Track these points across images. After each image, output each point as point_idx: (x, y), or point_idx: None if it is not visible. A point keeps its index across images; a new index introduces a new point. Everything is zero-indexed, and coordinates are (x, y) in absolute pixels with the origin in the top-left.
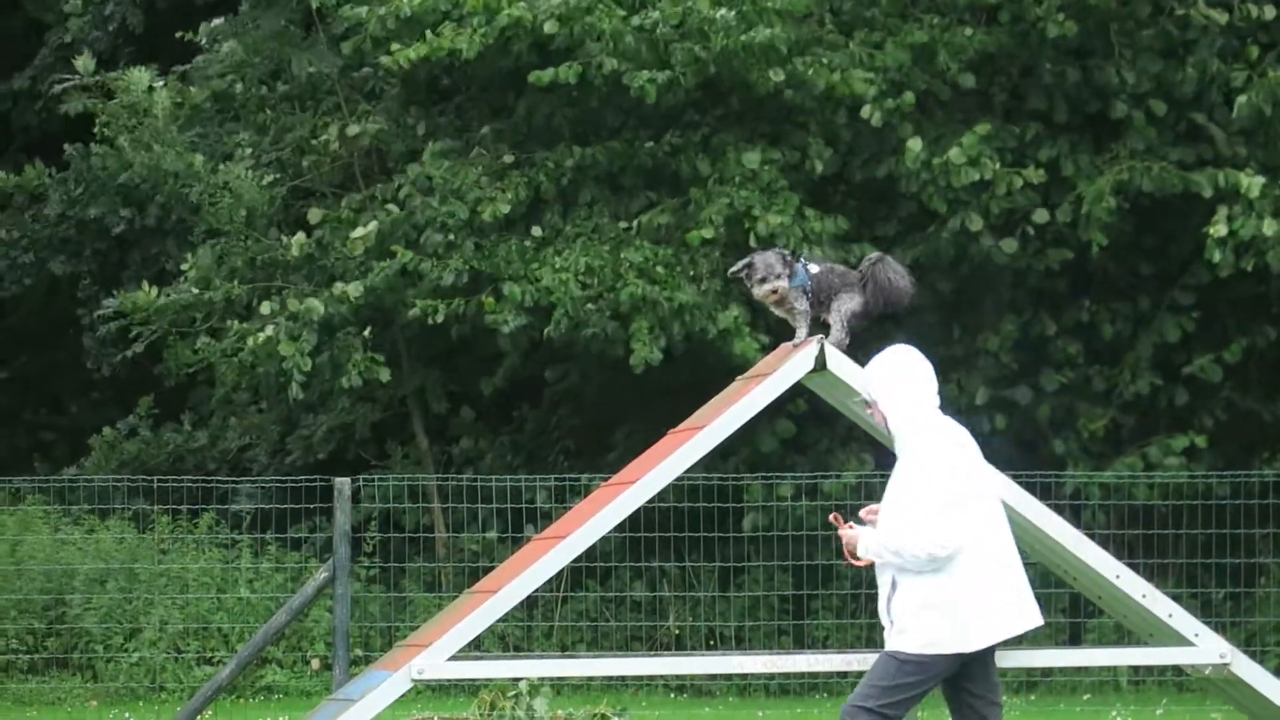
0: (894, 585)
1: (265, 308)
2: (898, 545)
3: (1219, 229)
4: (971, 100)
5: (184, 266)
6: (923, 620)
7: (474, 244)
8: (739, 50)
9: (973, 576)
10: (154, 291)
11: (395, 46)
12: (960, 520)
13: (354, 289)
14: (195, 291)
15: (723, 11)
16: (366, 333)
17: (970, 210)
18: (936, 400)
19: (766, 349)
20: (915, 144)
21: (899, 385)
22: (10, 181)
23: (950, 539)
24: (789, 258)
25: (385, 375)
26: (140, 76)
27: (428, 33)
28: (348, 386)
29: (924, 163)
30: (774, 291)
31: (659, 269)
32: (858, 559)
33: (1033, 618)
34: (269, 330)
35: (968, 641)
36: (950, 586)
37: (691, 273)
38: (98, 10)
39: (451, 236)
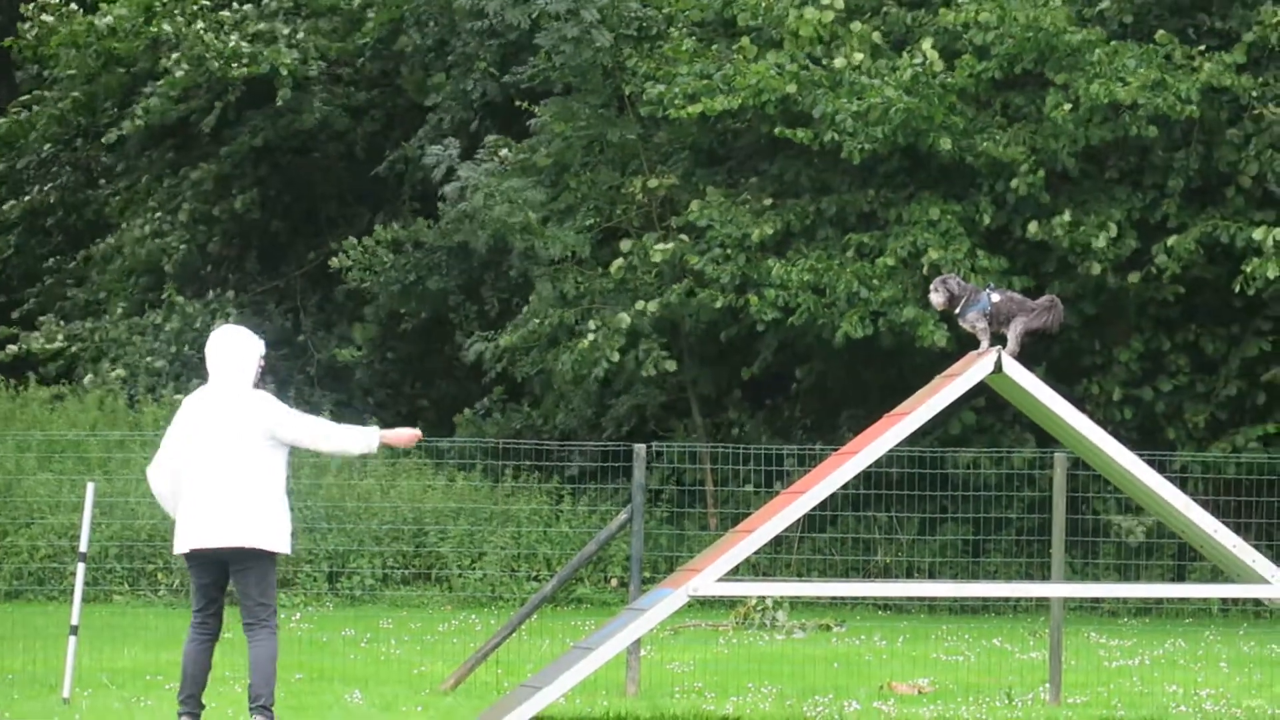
0: None
1: (591, 324)
2: None
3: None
4: (1101, 172)
5: (531, 300)
6: None
7: (745, 257)
8: (918, 119)
9: (183, 502)
10: (512, 334)
11: (678, 100)
12: (165, 461)
13: (652, 305)
14: (537, 321)
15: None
16: (660, 341)
17: (1093, 260)
18: (213, 373)
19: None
20: (1064, 217)
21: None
22: (401, 233)
23: (151, 472)
24: (969, 285)
25: (672, 366)
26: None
27: (704, 99)
28: (645, 376)
29: (1066, 228)
30: (943, 303)
31: (867, 270)
32: None
33: (217, 538)
34: (589, 338)
35: (176, 546)
36: (177, 508)
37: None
38: (463, 97)
39: (728, 251)
